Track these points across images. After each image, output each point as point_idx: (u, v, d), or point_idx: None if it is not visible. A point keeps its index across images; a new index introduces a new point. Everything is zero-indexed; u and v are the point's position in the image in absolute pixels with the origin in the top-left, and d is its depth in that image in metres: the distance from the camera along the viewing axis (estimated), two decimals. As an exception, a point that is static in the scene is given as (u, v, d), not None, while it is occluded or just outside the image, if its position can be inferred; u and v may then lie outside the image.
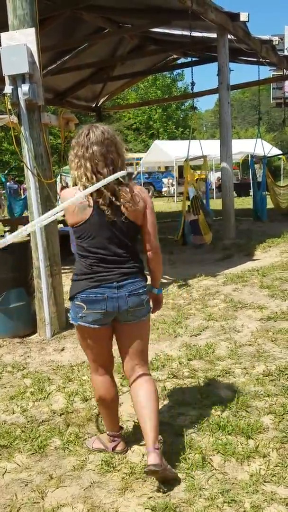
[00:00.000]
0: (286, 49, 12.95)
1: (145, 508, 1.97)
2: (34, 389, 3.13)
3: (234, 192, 10.55)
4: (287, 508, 1.93)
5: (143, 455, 2.31)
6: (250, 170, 12.01)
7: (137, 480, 2.14)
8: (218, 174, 19.19)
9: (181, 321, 4.26)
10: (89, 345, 2.24)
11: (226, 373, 3.13)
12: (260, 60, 9.62)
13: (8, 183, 16.01)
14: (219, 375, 3.11)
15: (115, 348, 2.31)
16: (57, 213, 2.22)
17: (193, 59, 10.67)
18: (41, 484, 2.18)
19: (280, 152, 20.47)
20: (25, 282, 4.27)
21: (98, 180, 2.05)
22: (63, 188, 7.53)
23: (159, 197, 25.07)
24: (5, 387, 3.23)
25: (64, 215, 2.24)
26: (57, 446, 2.46)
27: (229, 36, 7.81)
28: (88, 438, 2.50)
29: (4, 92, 3.90)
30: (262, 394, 2.81)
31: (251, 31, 8.16)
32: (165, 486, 2.07)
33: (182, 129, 34.09)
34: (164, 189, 25.30)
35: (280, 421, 2.51)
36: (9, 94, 3.86)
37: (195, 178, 8.49)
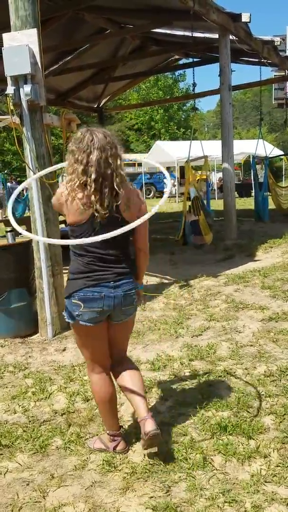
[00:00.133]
0: (288, 49, 12.93)
1: (146, 508, 1.98)
2: (35, 389, 3.14)
3: (236, 192, 10.54)
4: (288, 508, 1.93)
5: (144, 455, 2.32)
6: (252, 170, 12.01)
7: (138, 480, 2.15)
8: (220, 174, 19.21)
9: (183, 321, 4.26)
10: (85, 344, 2.28)
11: (227, 373, 3.14)
12: (262, 60, 9.62)
13: (9, 184, 16.01)
14: (220, 376, 3.11)
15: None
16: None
17: (195, 59, 10.69)
18: (42, 483, 2.19)
19: (281, 152, 20.47)
20: (26, 282, 4.28)
21: (101, 184, 2.07)
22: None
23: (160, 198, 25.02)
24: (6, 387, 3.24)
25: (64, 214, 2.24)
26: (59, 446, 2.47)
27: (230, 37, 7.81)
28: (89, 438, 2.51)
29: (6, 92, 3.91)
30: (263, 394, 2.81)
31: (252, 31, 8.16)
32: (166, 485, 2.07)
33: (183, 130, 34.10)
34: (165, 190, 25.24)
35: (281, 422, 2.52)
36: (11, 95, 3.87)
37: (197, 179, 8.49)
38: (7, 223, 9.71)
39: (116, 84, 12.94)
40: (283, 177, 24.97)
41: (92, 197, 2.07)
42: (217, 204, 14.07)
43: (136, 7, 8.12)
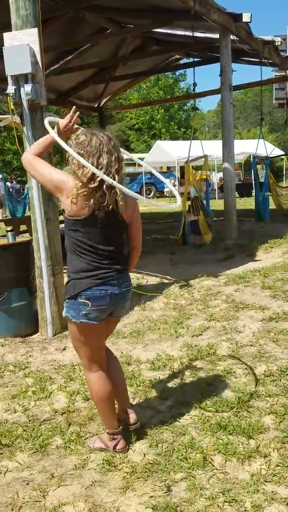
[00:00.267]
0: (289, 49, 12.92)
1: (146, 507, 1.98)
2: (35, 388, 3.14)
3: (236, 192, 10.55)
4: (288, 508, 1.93)
5: (144, 454, 2.32)
6: (252, 170, 12.01)
7: (138, 479, 2.15)
8: (220, 174, 19.21)
9: (183, 321, 4.27)
10: (86, 342, 2.29)
11: (227, 373, 3.14)
12: (263, 60, 9.62)
13: (8, 183, 16.01)
14: (220, 375, 3.11)
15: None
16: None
17: (196, 59, 10.69)
18: (42, 483, 2.19)
19: (282, 152, 20.46)
20: (27, 281, 4.28)
21: (110, 186, 2.10)
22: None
23: (160, 197, 25.08)
24: (7, 386, 3.24)
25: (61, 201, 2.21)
26: (59, 445, 2.47)
27: (231, 37, 7.81)
28: (89, 437, 2.51)
29: (7, 92, 3.91)
30: (263, 394, 2.82)
31: (253, 31, 8.16)
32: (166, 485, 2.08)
33: (184, 130, 34.09)
34: (165, 190, 25.30)
35: (281, 421, 2.52)
36: (11, 94, 3.87)
37: (197, 178, 8.50)
38: (7, 222, 9.71)
39: (116, 84, 12.95)
40: (284, 177, 24.96)
41: (100, 198, 2.10)
42: (217, 204, 14.07)
43: (137, 6, 8.12)
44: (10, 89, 3.86)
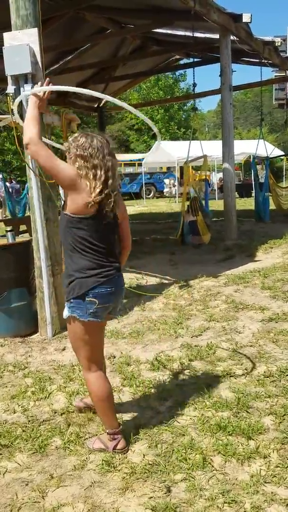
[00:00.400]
0: (289, 50, 12.93)
1: (146, 508, 1.98)
2: (35, 388, 3.14)
3: (236, 193, 10.56)
4: (288, 509, 1.93)
5: (143, 455, 2.32)
6: (252, 171, 12.02)
7: (138, 480, 2.14)
8: (220, 175, 19.21)
9: (182, 321, 4.26)
10: (90, 341, 2.31)
11: (227, 374, 3.13)
12: (263, 61, 9.62)
13: (7, 183, 16.00)
14: (220, 376, 3.11)
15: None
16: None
17: (196, 60, 10.69)
18: (41, 483, 2.18)
19: (282, 153, 20.47)
20: (26, 281, 4.28)
21: (110, 188, 2.18)
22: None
23: (160, 198, 25.09)
24: (6, 387, 3.23)
25: (65, 196, 2.24)
26: (58, 446, 2.47)
27: (231, 37, 7.81)
28: (89, 437, 2.51)
29: (6, 92, 3.91)
30: (263, 395, 2.81)
31: (253, 32, 8.17)
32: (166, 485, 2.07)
33: (184, 130, 34.08)
34: (165, 190, 25.32)
35: (280, 422, 2.51)
36: (11, 94, 3.86)
37: (197, 179, 8.52)
38: (7, 222, 9.71)
39: (116, 84, 12.94)
40: (284, 177, 24.97)
41: (105, 198, 2.17)
42: (217, 204, 14.07)
43: (137, 7, 8.12)
44: (10, 89, 3.86)
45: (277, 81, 14.54)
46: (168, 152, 20.34)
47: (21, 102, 3.89)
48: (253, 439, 2.38)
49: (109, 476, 2.20)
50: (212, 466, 2.20)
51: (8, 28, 3.94)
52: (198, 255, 7.26)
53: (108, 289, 2.24)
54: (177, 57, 12.18)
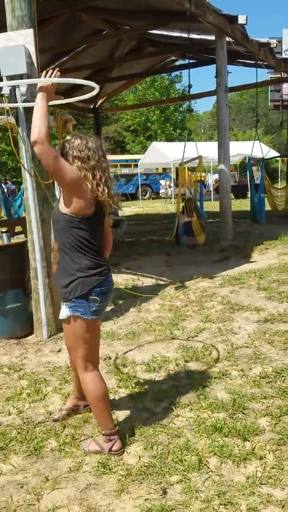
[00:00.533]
0: (284, 51, 12.98)
1: (141, 510, 1.97)
2: (30, 390, 3.13)
3: (232, 194, 10.59)
4: (283, 510, 1.93)
5: (139, 457, 2.31)
6: (248, 172, 12.05)
7: (133, 482, 2.14)
8: (216, 176, 19.24)
9: (178, 323, 4.26)
10: (90, 339, 2.34)
11: (222, 375, 3.13)
12: (258, 62, 9.66)
13: (3, 184, 15.94)
14: (216, 377, 3.10)
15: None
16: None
17: (191, 61, 10.71)
18: (36, 486, 2.17)
19: (277, 154, 20.54)
20: (22, 283, 4.26)
21: (109, 187, 2.26)
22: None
23: (156, 199, 25.10)
24: (1, 388, 3.22)
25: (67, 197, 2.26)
26: (53, 448, 2.46)
27: (227, 39, 7.83)
28: (84, 439, 2.50)
29: (2, 93, 3.89)
30: (258, 396, 2.81)
31: (249, 33, 8.19)
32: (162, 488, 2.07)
33: (180, 131, 34.14)
34: (161, 191, 25.35)
35: (276, 423, 2.51)
36: (7, 95, 3.85)
37: (192, 180, 8.55)
38: (2, 223, 9.67)
39: (112, 85, 12.95)
40: (279, 178, 25.06)
41: (103, 197, 2.25)
42: (213, 206, 14.10)
43: (133, 8, 8.13)
44: (5, 90, 3.84)
45: (272, 83, 14.58)
46: (164, 153, 20.38)
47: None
48: (249, 441, 2.37)
49: (105, 478, 2.19)
50: (208, 468, 2.20)
51: (3, 29, 3.93)
52: (194, 256, 7.27)
53: (106, 288, 2.32)
54: (173, 58, 12.20)
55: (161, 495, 2.04)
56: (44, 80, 2.33)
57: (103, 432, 2.37)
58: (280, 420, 2.54)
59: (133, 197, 23.80)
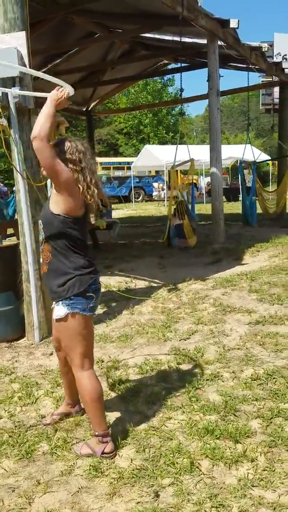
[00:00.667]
0: (276, 55, 13.11)
1: (133, 513, 1.97)
2: (22, 393, 3.11)
3: (224, 197, 10.64)
4: (275, 512, 1.93)
5: (131, 459, 2.31)
6: (239, 175, 12.12)
7: (125, 485, 2.13)
8: (208, 179, 19.33)
9: (171, 325, 4.27)
10: (87, 335, 2.39)
11: (214, 377, 3.14)
12: (250, 66, 9.73)
13: None
14: (208, 379, 3.11)
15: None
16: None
17: (183, 64, 10.77)
18: (28, 489, 2.16)
19: (268, 157, 20.67)
20: (13, 285, 4.24)
21: (99, 187, 2.33)
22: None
23: (149, 201, 25.13)
24: (-8, 392, 3.20)
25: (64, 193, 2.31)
26: (45, 451, 2.44)
27: (219, 42, 7.89)
28: (76, 443, 2.49)
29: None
30: (250, 398, 2.82)
31: (241, 37, 8.26)
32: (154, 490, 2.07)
33: (172, 134, 34.25)
34: (154, 193, 25.40)
35: (268, 425, 2.52)
36: (-1, 97, 3.84)
37: (185, 183, 8.62)
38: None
39: (105, 88, 12.98)
40: (270, 182, 25.22)
41: (93, 199, 2.32)
42: (205, 208, 14.15)
43: (126, 11, 8.16)
44: (-3, 91, 3.83)
45: (263, 86, 14.72)
46: (157, 156, 20.43)
47: (8, 105, 3.88)
48: (240, 443, 2.38)
49: (97, 482, 2.18)
50: (200, 470, 2.20)
51: (-5, 31, 3.92)
52: (187, 258, 7.29)
53: (98, 285, 2.41)
54: (165, 61, 12.25)
55: (153, 498, 2.04)
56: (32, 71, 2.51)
57: (96, 433, 2.37)
58: (271, 422, 2.55)
59: (126, 199, 23.81)
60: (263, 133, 43.80)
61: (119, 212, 17.86)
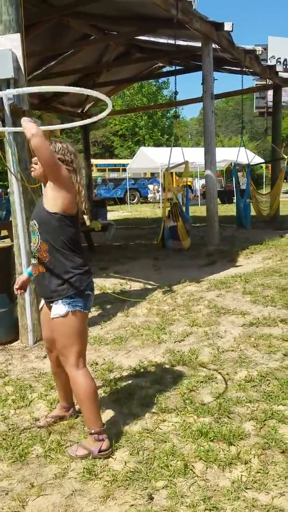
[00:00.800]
0: (270, 58, 13.19)
1: (127, 516, 1.96)
2: (15, 396, 3.10)
3: (218, 199, 10.69)
4: (268, 514, 1.94)
5: (125, 462, 2.31)
6: (234, 178, 12.17)
7: (119, 487, 2.13)
8: (203, 181, 19.38)
9: (165, 327, 4.27)
10: (84, 332, 2.43)
11: (209, 379, 3.15)
12: (244, 69, 9.78)
13: None
14: (202, 381, 3.12)
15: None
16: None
17: (178, 67, 10.80)
18: (22, 492, 2.15)
19: (262, 160, 20.77)
20: (7, 288, 4.22)
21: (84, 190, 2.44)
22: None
23: (145, 203, 25.15)
24: (-14, 395, 3.18)
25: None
26: (39, 454, 2.44)
27: (213, 45, 7.92)
28: (69, 445, 2.48)
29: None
30: (244, 400, 2.83)
31: (235, 41, 8.29)
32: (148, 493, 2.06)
33: (167, 137, 34.34)
34: (149, 195, 25.44)
35: (261, 427, 2.53)
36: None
37: (180, 185, 8.66)
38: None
39: (100, 90, 12.93)
40: (264, 184, 25.33)
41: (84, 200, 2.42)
42: (200, 210, 14.18)
43: (121, 14, 8.18)
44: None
45: (257, 90, 14.76)
46: (152, 158, 20.46)
47: (3, 107, 3.87)
48: (234, 445, 2.39)
49: (90, 484, 2.18)
50: (194, 473, 2.20)
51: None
52: (181, 260, 7.30)
53: (93, 283, 2.45)
54: (160, 64, 12.28)
55: (146, 500, 2.04)
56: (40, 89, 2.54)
57: (92, 431, 2.36)
58: (265, 424, 2.56)
59: (121, 201, 23.83)
60: (257, 136, 44.03)
61: (114, 214, 17.87)
